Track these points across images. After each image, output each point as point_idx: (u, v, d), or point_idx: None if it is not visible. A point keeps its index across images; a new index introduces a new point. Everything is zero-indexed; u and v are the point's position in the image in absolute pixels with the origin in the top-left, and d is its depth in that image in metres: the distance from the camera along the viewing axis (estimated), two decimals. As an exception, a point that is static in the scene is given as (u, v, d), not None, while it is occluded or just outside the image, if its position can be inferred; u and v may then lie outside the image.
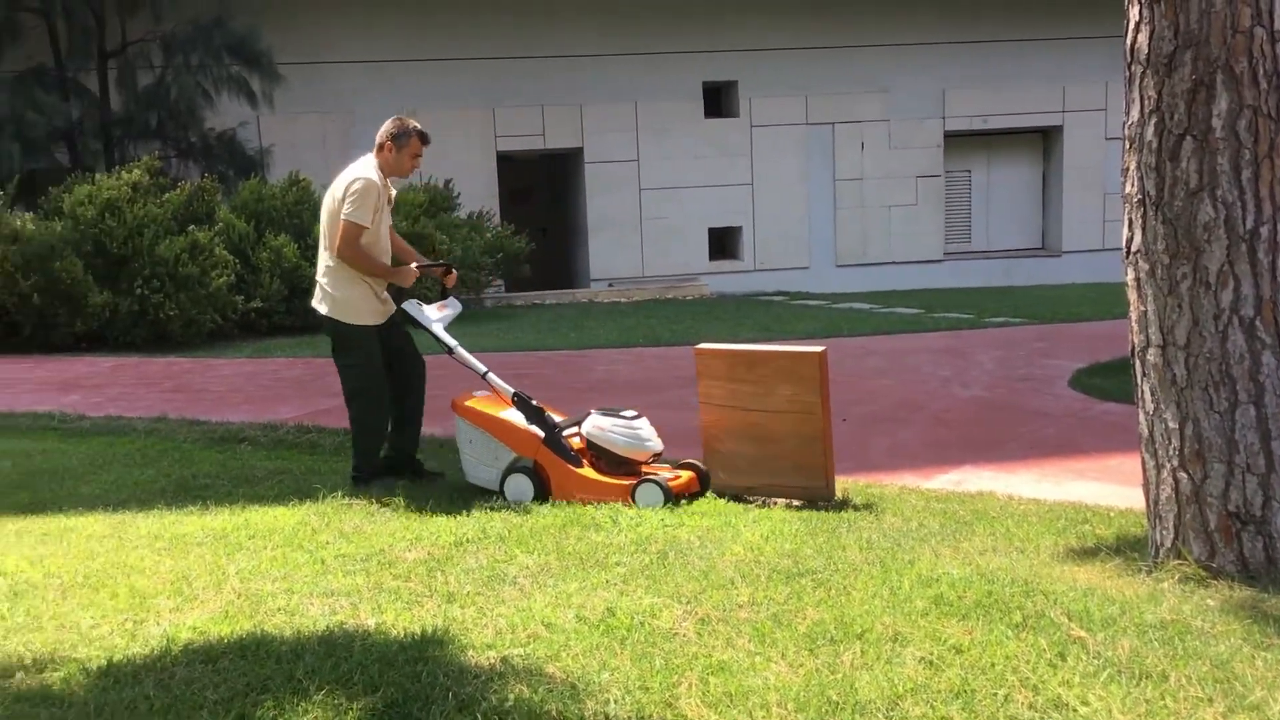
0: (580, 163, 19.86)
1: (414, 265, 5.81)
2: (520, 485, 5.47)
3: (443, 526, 4.92)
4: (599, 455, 5.50)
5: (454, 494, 5.61)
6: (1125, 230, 4.00)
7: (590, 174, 19.82)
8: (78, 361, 12.01)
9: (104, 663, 3.37)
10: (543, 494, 5.44)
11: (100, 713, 3.01)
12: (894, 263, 20.90)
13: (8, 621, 3.82)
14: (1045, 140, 21.77)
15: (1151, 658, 3.13)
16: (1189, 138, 3.76)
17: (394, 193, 5.89)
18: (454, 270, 6.08)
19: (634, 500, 5.29)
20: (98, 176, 14.13)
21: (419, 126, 5.68)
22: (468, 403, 5.72)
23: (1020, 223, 22.07)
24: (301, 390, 9.58)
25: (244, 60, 16.93)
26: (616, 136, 19.77)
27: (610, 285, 19.51)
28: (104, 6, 16.52)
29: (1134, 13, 3.89)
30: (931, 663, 3.15)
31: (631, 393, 8.55)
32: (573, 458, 5.47)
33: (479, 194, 18.52)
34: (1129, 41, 3.91)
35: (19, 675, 3.29)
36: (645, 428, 5.50)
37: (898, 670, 3.10)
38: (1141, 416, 4.02)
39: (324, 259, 5.70)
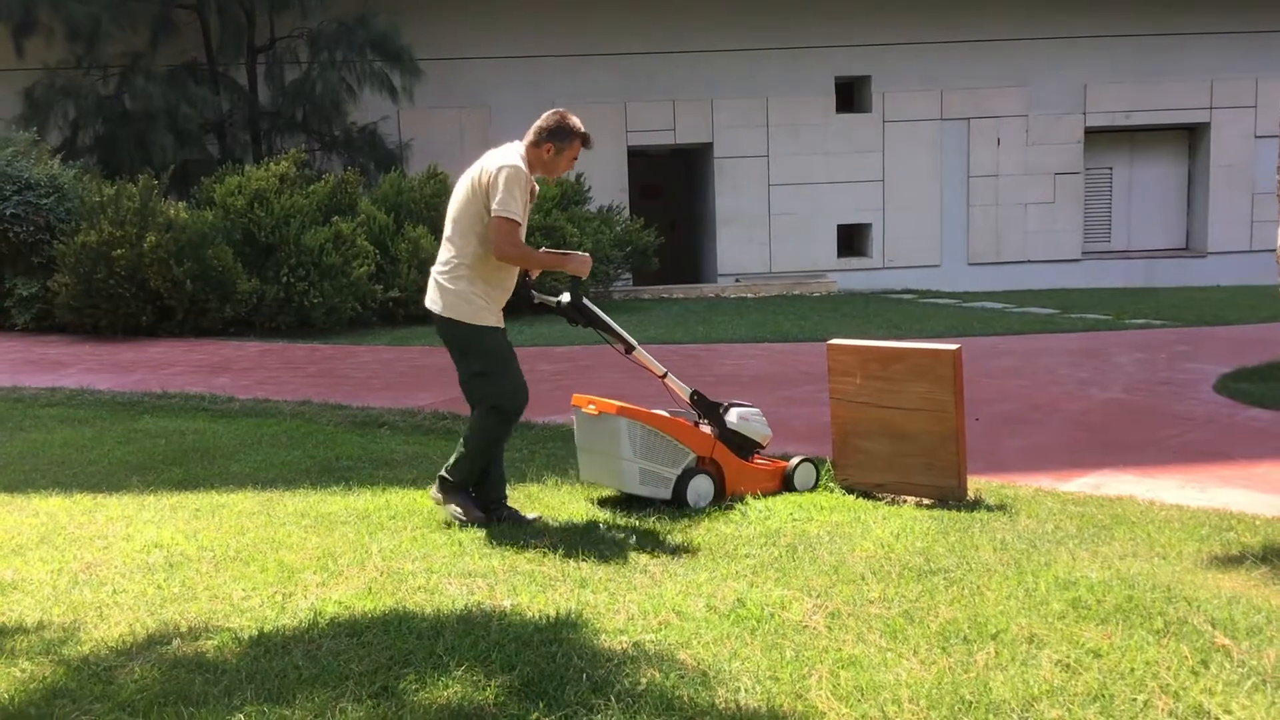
0: (710, 157, 19.86)
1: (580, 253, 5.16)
2: (705, 487, 5.26)
3: (573, 512, 5.03)
4: (740, 446, 5.49)
5: (584, 483, 5.68)
6: (1279, 229, 3.87)
7: (720, 169, 19.82)
8: (226, 345, 12.49)
9: (255, 633, 3.53)
10: (719, 493, 5.32)
11: (252, 680, 3.15)
12: (1029, 261, 20.42)
13: (164, 591, 4.02)
14: (1191, 137, 21.01)
15: (1300, 669, 3.05)
16: (1352, 135, 3.62)
17: (536, 188, 5.18)
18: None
19: (792, 483, 5.52)
20: (246, 168, 14.67)
21: (582, 127, 5.03)
22: (633, 408, 5.32)
23: (1163, 222, 21.35)
24: (438, 378, 9.80)
25: (385, 56, 17.34)
26: (747, 131, 19.73)
27: (737, 280, 19.48)
28: (254, 4, 17.11)
29: (1295, 5, 3.76)
30: (1068, 666, 3.11)
31: (760, 387, 8.54)
32: (743, 451, 5.50)
33: (609, 188, 18.69)
34: (1289, 35, 3.78)
35: (175, 642, 3.47)
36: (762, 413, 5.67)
37: (1033, 672, 3.07)
38: (1293, 422, 3.90)
39: (450, 251, 4.98)
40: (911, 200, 20.17)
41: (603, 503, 5.32)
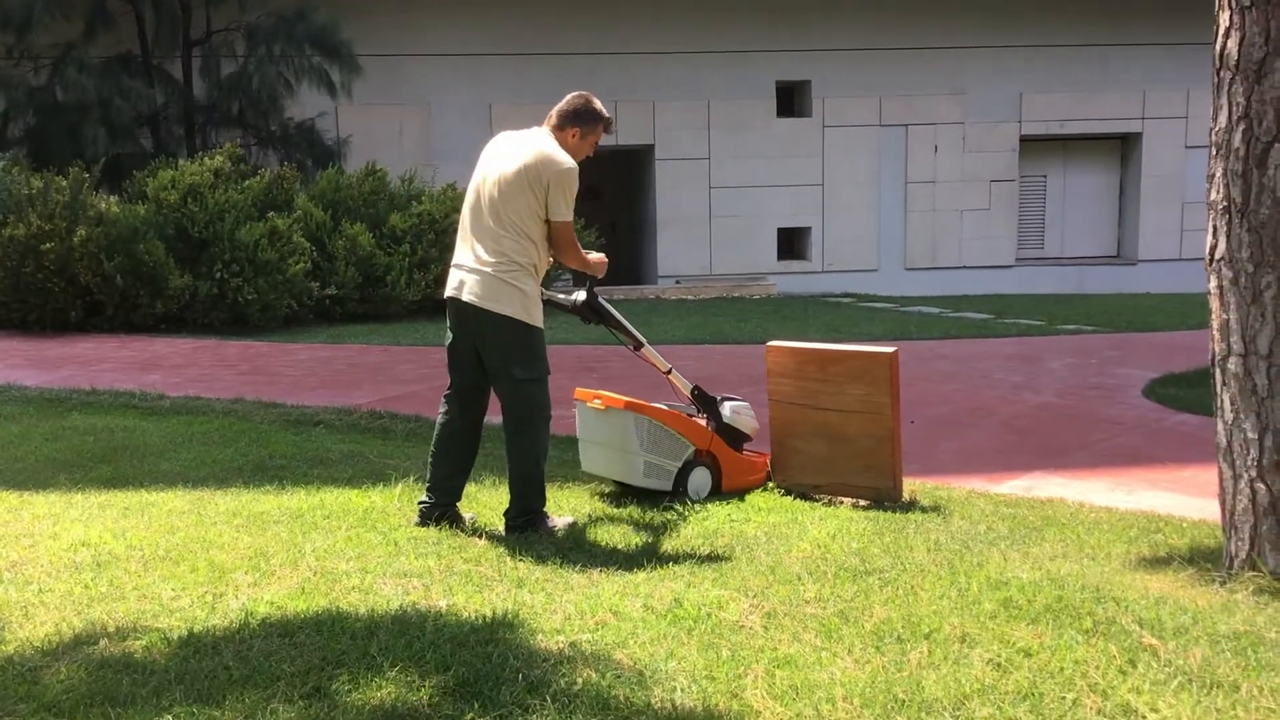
0: (651, 159, 19.91)
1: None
2: (704, 479, 5.39)
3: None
4: (733, 438, 5.58)
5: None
6: (1209, 237, 3.95)
7: (661, 171, 19.87)
8: (158, 342, 12.29)
9: (184, 633, 3.47)
10: (718, 485, 5.45)
11: (181, 681, 3.09)
12: (964, 267, 20.70)
13: (92, 590, 3.93)
14: (1124, 147, 21.42)
15: (1223, 668, 3.10)
16: (1278, 145, 3.71)
17: None
18: None
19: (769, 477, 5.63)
20: (180, 162, 14.45)
21: (607, 113, 4.85)
22: (638, 401, 5.29)
23: (1095, 230, 21.74)
24: (374, 376, 9.73)
25: (324, 51, 17.18)
26: (688, 134, 19.80)
27: (678, 282, 19.54)
28: (190, -4, 16.91)
29: (1224, 18, 3.84)
30: (999, 665, 3.15)
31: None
32: (737, 444, 5.59)
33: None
34: (1218, 47, 3.86)
35: (103, 642, 3.40)
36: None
37: (965, 671, 3.11)
38: (1220, 426, 3.98)
39: (497, 245, 4.63)
40: (850, 205, 20.36)
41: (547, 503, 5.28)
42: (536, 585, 3.96)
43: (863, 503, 5.31)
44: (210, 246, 13.42)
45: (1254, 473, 3.83)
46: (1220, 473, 4.00)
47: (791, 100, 20.47)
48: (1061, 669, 3.11)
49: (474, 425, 4.89)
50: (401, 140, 18.54)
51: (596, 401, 5.34)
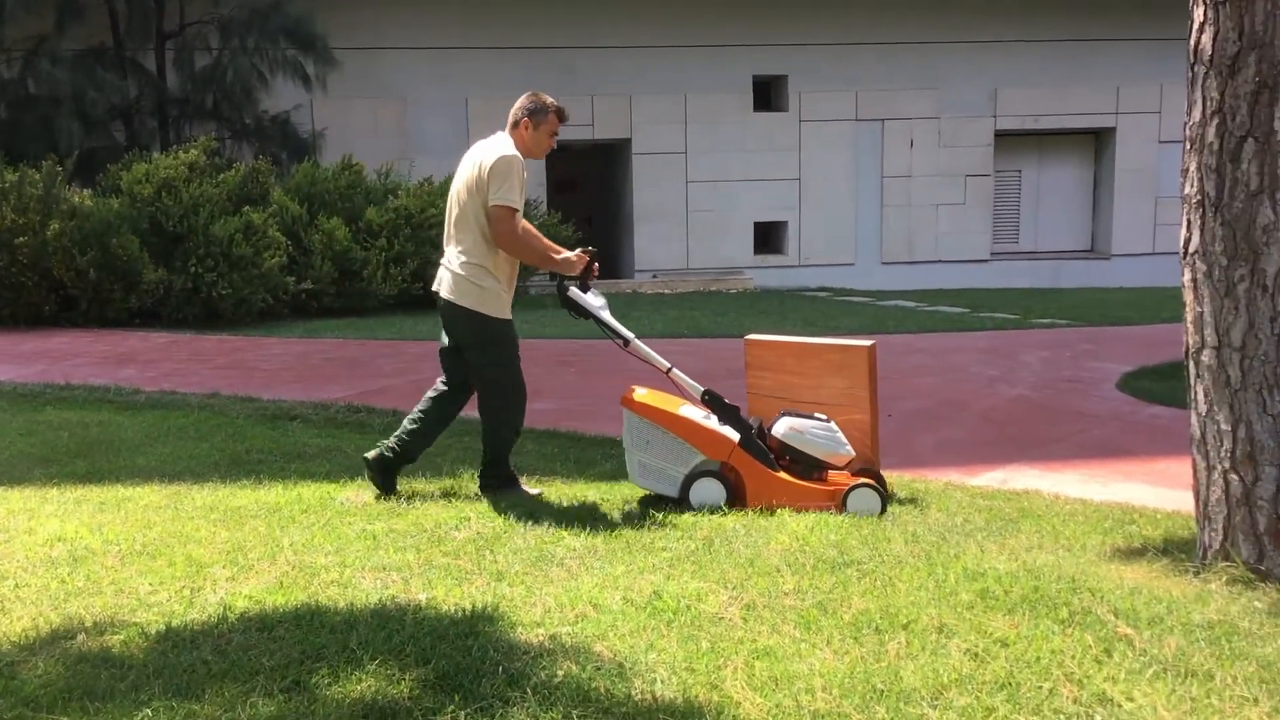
0: (628, 153, 19.90)
1: (578, 251, 5.30)
2: (710, 490, 5.04)
3: (490, 507, 4.99)
4: (793, 459, 5.14)
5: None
6: (1183, 231, 3.99)
7: (638, 165, 19.86)
8: (132, 336, 12.21)
9: (162, 628, 3.45)
10: (735, 499, 5.03)
11: (159, 675, 3.08)
12: (940, 261, 20.79)
13: (68, 585, 3.91)
14: (1097, 142, 21.56)
15: (1198, 657, 3.14)
16: (1251, 140, 3.74)
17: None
18: (597, 261, 5.42)
19: (844, 507, 4.96)
20: (154, 155, 14.36)
21: (556, 102, 5.20)
22: (642, 399, 5.24)
23: (1069, 224, 21.88)
24: (351, 370, 9.70)
25: (299, 44, 17.08)
26: (665, 128, 19.80)
27: (654, 276, 19.54)
28: (164, -12, 16.78)
29: (1198, 13, 3.87)
30: (977, 655, 3.17)
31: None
32: (771, 461, 5.09)
33: (527, 182, 18.59)
34: (1192, 42, 3.89)
35: (80, 637, 3.38)
36: (840, 432, 5.15)
37: (943, 661, 3.13)
38: (1193, 418, 4.01)
39: (459, 246, 5.13)
40: (827, 199, 20.41)
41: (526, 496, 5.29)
42: (516, 578, 3.96)
43: (841, 495, 5.32)
44: (184, 240, 13.34)
45: (1227, 464, 3.87)
46: (1194, 464, 4.04)
47: (768, 95, 20.50)
48: (1038, 659, 3.13)
49: (451, 401, 5.38)
50: (377, 134, 18.46)
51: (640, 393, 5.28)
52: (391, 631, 3.35)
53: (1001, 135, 20.90)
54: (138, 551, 4.33)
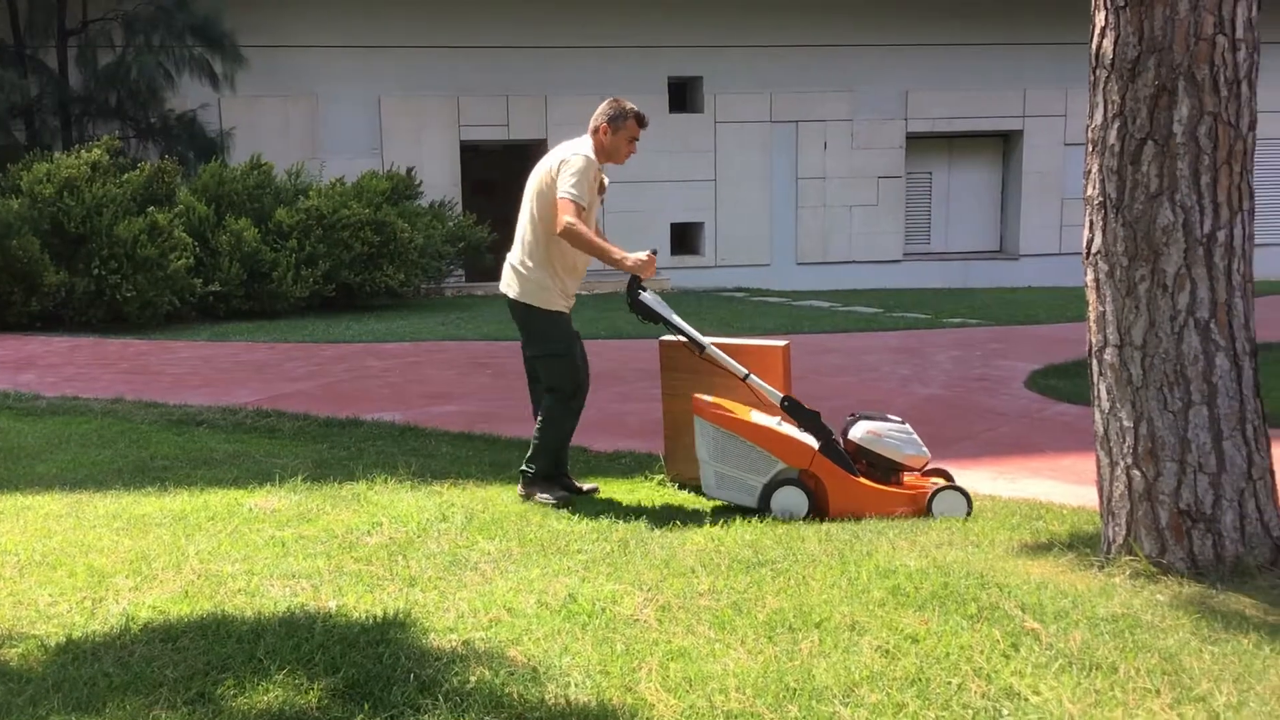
0: (544, 154, 19.78)
1: (646, 252, 5.24)
2: (792, 499, 4.97)
3: (403, 512, 4.92)
4: (870, 463, 5.07)
5: (415, 480, 5.60)
6: (1086, 232, 4.07)
7: (554, 166, 19.77)
8: (32, 340, 11.87)
9: (63, 639, 3.36)
10: (816, 507, 4.96)
11: (59, 688, 2.99)
12: (854, 262, 21.03)
13: (-37, 598, 3.79)
14: (1005, 144, 21.98)
15: (1102, 650, 3.20)
16: (1150, 142, 3.83)
17: (607, 181, 5.43)
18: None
19: (930, 511, 4.90)
20: (56, 155, 13.98)
21: (636, 108, 5.26)
22: (717, 406, 5.15)
23: (979, 225, 22.27)
24: (260, 374, 9.52)
25: (206, 41, 16.76)
26: (581, 129, 19.63)
27: (572, 277, 19.49)
28: (66, -17, 16.34)
29: (1100, 18, 3.95)
30: (888, 651, 3.20)
31: (594, 384, 8.55)
32: (852, 467, 5.01)
33: (442, 183, 18.50)
34: (1094, 46, 3.97)
35: (-24, 651, 3.27)
36: (915, 433, 5.14)
37: (855, 658, 3.15)
38: (1097, 415, 4.09)
39: (522, 240, 5.27)
40: (743, 200, 20.54)
41: (438, 495, 5.22)
42: (429, 584, 3.91)
43: (755, 495, 5.34)
44: (87, 242, 13.00)
45: (1130, 460, 3.95)
46: (1098, 461, 4.12)
47: (684, 96, 20.56)
48: (947, 654, 3.17)
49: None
50: (288, 133, 18.16)
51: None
52: (300, 640, 3.28)
53: (913, 137, 21.21)
54: (37, 562, 4.21)
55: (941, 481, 5.11)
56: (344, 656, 3.16)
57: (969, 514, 4.93)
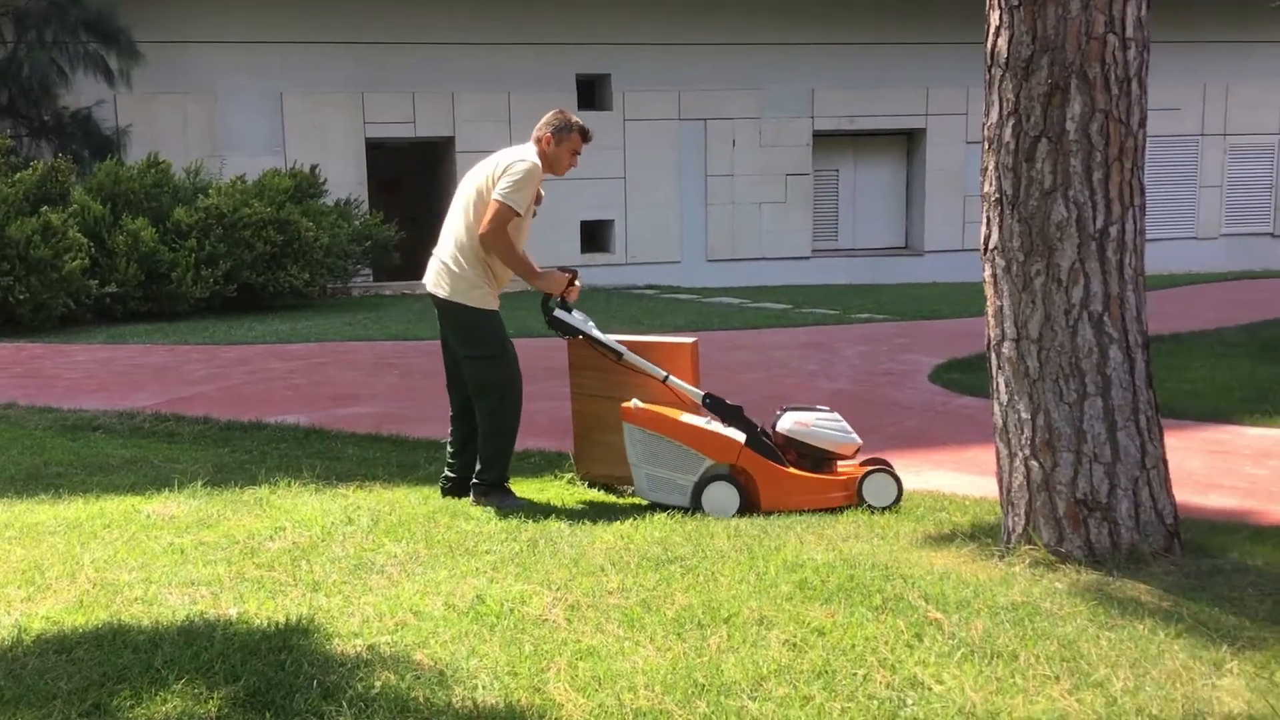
0: (452, 152, 19.65)
1: (559, 270, 5.38)
2: (723, 495, 4.95)
3: (307, 515, 4.84)
4: (801, 454, 5.08)
5: (320, 484, 5.52)
6: (983, 228, 4.14)
7: (462, 164, 19.59)
8: (-82, 346, 11.46)
9: (-51, 654, 3.24)
10: (749, 503, 4.95)
11: (-56, 705, 2.89)
12: (763, 259, 21.20)
13: None
14: (909, 142, 22.33)
15: (1003, 638, 3.26)
16: (1044, 139, 3.91)
17: (544, 193, 5.44)
18: (577, 283, 5.59)
19: (860, 497, 4.97)
20: (-57, 154, 13.51)
21: (581, 122, 5.27)
22: (643, 410, 5.14)
23: (885, 222, 22.60)
24: (158, 377, 9.30)
25: (101, 37, 16.36)
26: (489, 126, 19.60)
27: (481, 276, 19.36)
28: (-49, -24, 15.82)
29: (994, 18, 4.03)
30: (795, 645, 3.22)
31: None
32: (780, 458, 5.02)
33: (347, 181, 18.24)
34: (989, 45, 4.05)
35: None
36: (844, 421, 5.17)
37: (762, 653, 3.17)
38: (996, 407, 4.18)
39: (455, 239, 5.20)
40: (652, 198, 20.58)
41: (342, 497, 5.15)
42: (333, 588, 3.85)
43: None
44: (-23, 243, 12.58)
45: (1028, 451, 4.03)
46: (997, 452, 4.20)
47: (593, 93, 20.53)
48: (853, 646, 3.20)
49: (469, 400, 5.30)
50: (186, 131, 17.76)
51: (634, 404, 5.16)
52: (199, 649, 3.20)
53: (819, 135, 21.44)
54: (-79, 575, 4.05)
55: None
56: (245, 665, 3.09)
57: (898, 498, 5.00)
